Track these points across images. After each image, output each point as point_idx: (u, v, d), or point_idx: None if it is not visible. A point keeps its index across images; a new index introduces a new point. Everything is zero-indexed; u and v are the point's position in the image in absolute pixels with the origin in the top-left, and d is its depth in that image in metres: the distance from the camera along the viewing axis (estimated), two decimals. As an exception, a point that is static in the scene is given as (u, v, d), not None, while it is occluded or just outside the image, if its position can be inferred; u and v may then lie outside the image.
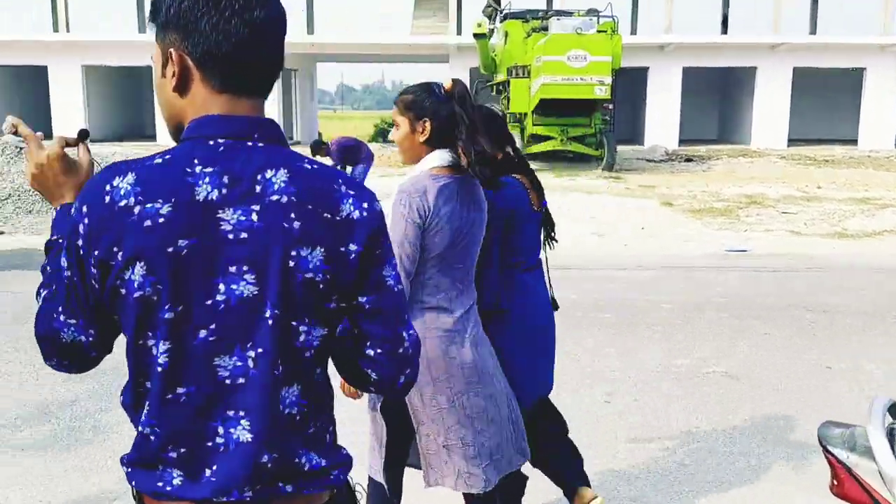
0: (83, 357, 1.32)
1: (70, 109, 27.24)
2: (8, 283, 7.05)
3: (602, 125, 18.75)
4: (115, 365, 4.48)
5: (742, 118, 27.50)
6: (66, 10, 28.72)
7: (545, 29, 18.25)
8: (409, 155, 2.43)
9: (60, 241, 1.35)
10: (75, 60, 26.90)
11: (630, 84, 25.88)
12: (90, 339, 1.29)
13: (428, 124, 2.34)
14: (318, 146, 10.78)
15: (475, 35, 19.57)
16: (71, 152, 1.47)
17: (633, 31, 28.24)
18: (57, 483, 3.47)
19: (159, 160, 1.23)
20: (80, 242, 1.21)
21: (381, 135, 35.75)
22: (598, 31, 17.52)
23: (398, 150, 2.49)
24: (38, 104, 28.82)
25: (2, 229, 9.75)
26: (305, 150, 23.77)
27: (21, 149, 11.97)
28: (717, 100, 30.37)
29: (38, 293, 1.33)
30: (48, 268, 1.34)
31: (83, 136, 1.51)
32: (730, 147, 25.73)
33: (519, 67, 18.91)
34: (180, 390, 1.23)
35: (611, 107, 18.21)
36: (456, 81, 2.39)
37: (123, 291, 1.20)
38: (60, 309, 1.27)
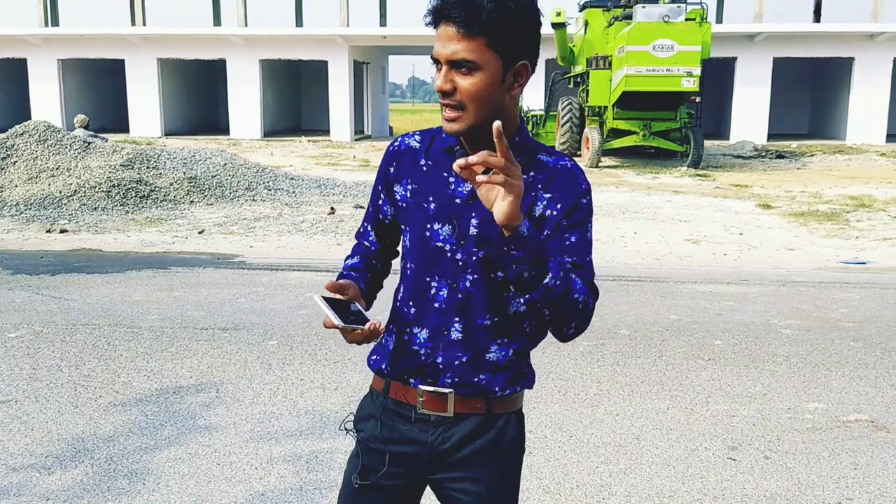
0: None
1: (145, 102, 27.47)
2: (62, 287, 6.66)
3: (688, 119, 17.71)
4: (161, 392, 3.92)
5: (836, 112, 25.88)
6: (143, 4, 28.96)
7: (629, 17, 17.29)
8: None
9: None
10: (151, 54, 27.06)
11: (715, 75, 24.58)
12: None
13: None
14: None
15: (553, 25, 18.71)
16: None
17: (720, 20, 26.92)
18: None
19: None
20: None
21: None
22: (687, 19, 16.46)
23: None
24: (114, 97, 29.18)
25: (65, 226, 9.47)
26: (379, 144, 23.32)
27: (89, 143, 11.78)
28: (809, 92, 28.74)
29: None
30: None
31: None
32: (823, 142, 24.23)
33: (599, 58, 18.01)
34: None
35: (698, 100, 17.16)
36: None
37: None
38: None
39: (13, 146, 11.65)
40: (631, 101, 17.00)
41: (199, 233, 9.34)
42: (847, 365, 4.91)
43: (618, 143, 17.70)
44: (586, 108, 18.82)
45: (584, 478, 3.43)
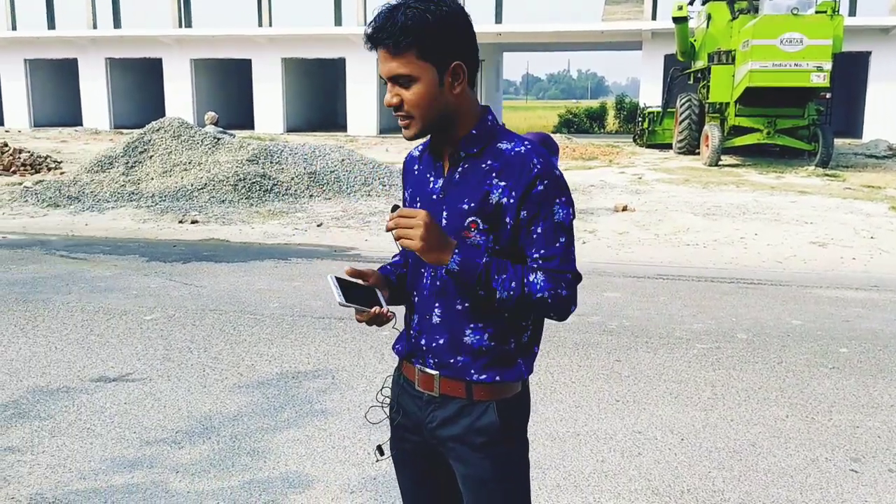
0: None
1: (270, 100, 28.59)
2: (192, 275, 7.07)
3: (816, 116, 16.84)
4: (281, 376, 4.11)
5: (985, 109, 23.97)
6: (270, 5, 30.13)
7: (755, 10, 16.61)
8: None
9: None
10: (276, 54, 28.13)
11: (848, 70, 23.28)
12: None
13: None
14: None
15: (675, 19, 18.21)
16: None
17: (853, 13, 25.48)
18: (206, 519, 3.13)
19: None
20: None
21: (567, 125, 34.72)
22: (817, 12, 15.66)
23: None
24: (241, 95, 30.53)
25: (195, 217, 10.02)
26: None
27: (219, 139, 12.40)
28: (953, 88, 26.73)
29: None
30: None
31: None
32: (968, 142, 22.46)
33: (722, 53, 17.41)
34: None
35: (828, 96, 16.30)
36: None
37: None
38: None
39: (150, 141, 12.42)
40: (755, 98, 16.33)
41: (318, 226, 9.68)
42: None
43: (739, 140, 17.05)
44: (706, 105, 18.22)
45: (696, 482, 3.36)
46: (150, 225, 9.76)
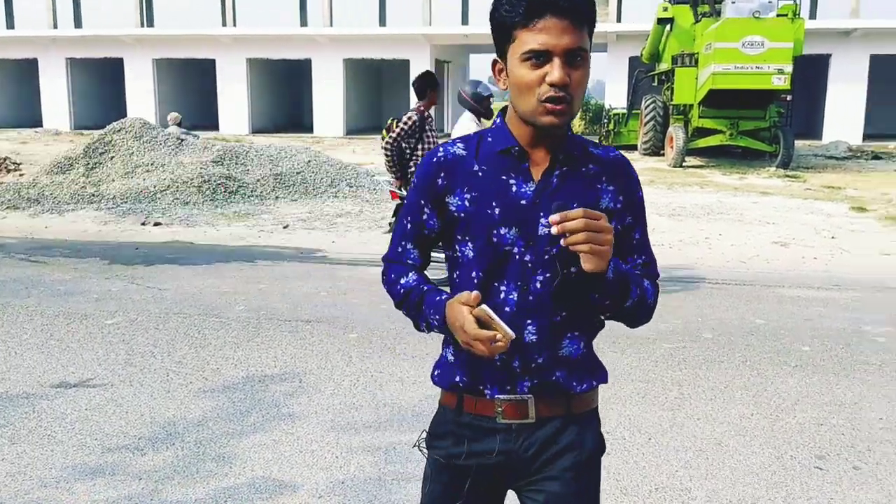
0: None
1: (234, 101, 28.31)
2: (155, 278, 6.96)
3: (778, 118, 17.15)
4: (247, 380, 4.05)
5: (939, 111, 24.58)
6: (234, 5, 29.82)
7: (717, 13, 16.84)
8: None
9: None
10: (241, 54, 27.87)
11: (808, 73, 23.70)
12: None
13: None
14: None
15: (660, 20, 18.47)
16: None
17: (813, 16, 25.95)
18: (170, 527, 3.07)
19: None
20: None
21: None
22: (778, 15, 15.94)
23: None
24: (204, 95, 30.17)
25: (159, 220, 9.87)
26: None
27: (182, 140, 12.23)
28: (909, 90, 27.37)
29: None
30: None
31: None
32: (924, 143, 23.04)
33: (686, 55, 17.63)
34: None
35: (789, 98, 16.58)
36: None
37: None
38: None
39: (111, 142, 12.21)
40: (718, 100, 16.56)
41: (284, 228, 9.59)
42: (946, 376, 4.68)
43: (703, 142, 17.28)
44: (671, 107, 18.44)
45: (664, 480, 3.38)
46: (112, 227, 9.59)
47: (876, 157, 19.66)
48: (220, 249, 8.42)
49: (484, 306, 1.47)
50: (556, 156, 1.58)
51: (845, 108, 23.59)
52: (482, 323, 1.46)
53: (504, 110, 1.65)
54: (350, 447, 3.65)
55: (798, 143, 18.84)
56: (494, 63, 1.61)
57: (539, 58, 1.48)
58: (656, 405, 4.21)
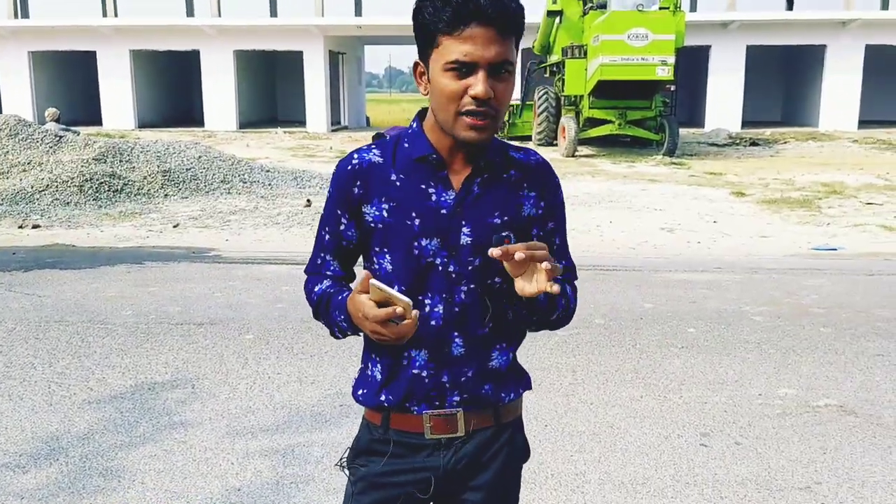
0: None
1: (118, 95, 27.12)
2: (34, 284, 6.59)
3: (662, 108, 17.82)
4: (136, 388, 3.89)
5: (809, 99, 26.15)
6: (115, -6, 28.50)
7: (603, 6, 17.33)
8: None
9: None
10: (124, 46, 26.70)
11: (690, 64, 24.70)
12: None
13: None
14: (379, 136, 10.23)
15: (549, 12, 18.80)
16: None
17: (694, 8, 27.06)
18: (54, 548, 2.92)
19: None
20: None
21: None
22: (660, 8, 16.54)
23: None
24: (85, 89, 28.77)
25: (37, 222, 9.36)
26: (356, 135, 23.17)
27: (61, 137, 11.62)
28: (782, 80, 28.99)
29: None
30: None
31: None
32: (796, 130, 24.47)
33: (575, 47, 18.05)
34: None
35: (673, 88, 17.26)
36: None
37: None
38: None
39: (-17, 141, 11.47)
40: (606, 91, 17.06)
41: (174, 227, 9.27)
42: (817, 351, 5.00)
43: (594, 132, 17.77)
44: (562, 98, 18.86)
45: (560, 466, 3.47)
46: (-14, 231, 9.03)
47: (753, 143, 20.73)
48: (105, 252, 8.06)
49: (373, 280, 1.41)
50: (478, 163, 1.53)
51: (725, 97, 24.74)
52: (382, 304, 1.42)
53: (421, 113, 1.60)
54: (246, 452, 3.58)
55: (682, 132, 19.65)
56: (416, 66, 1.54)
57: (463, 69, 1.43)
58: (552, 391, 4.31)
